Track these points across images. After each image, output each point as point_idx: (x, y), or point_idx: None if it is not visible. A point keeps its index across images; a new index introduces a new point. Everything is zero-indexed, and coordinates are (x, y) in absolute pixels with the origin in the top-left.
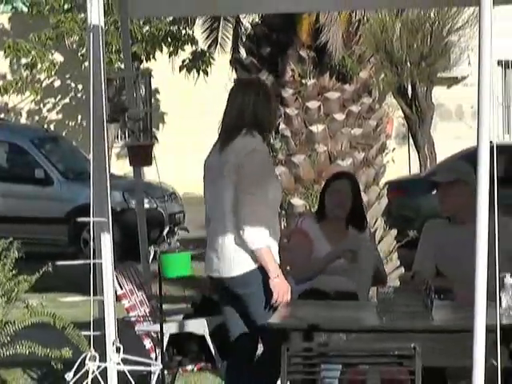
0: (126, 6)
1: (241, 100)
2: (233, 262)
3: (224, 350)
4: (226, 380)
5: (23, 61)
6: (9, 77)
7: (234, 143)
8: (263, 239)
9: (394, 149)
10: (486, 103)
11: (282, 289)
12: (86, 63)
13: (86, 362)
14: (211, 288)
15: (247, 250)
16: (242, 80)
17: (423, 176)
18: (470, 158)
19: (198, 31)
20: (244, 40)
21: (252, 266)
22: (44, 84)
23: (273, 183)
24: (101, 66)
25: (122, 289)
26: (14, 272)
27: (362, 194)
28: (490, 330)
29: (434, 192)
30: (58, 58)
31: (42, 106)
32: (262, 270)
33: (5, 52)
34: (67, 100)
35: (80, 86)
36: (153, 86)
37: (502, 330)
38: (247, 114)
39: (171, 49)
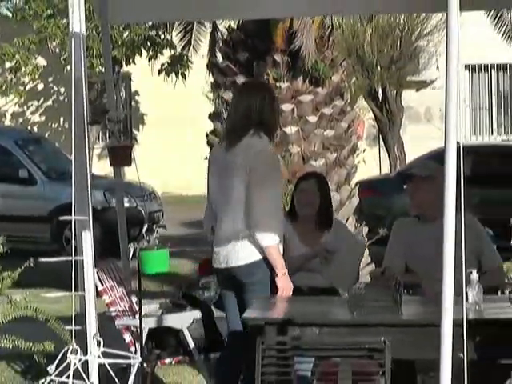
0: (106, 13)
1: (247, 102)
2: (239, 252)
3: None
4: (217, 371)
5: (7, 64)
6: None
7: (242, 143)
8: (273, 236)
9: (364, 150)
10: (453, 106)
11: (287, 286)
12: (69, 67)
13: (68, 355)
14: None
15: (253, 243)
16: (248, 83)
17: (393, 176)
18: (438, 158)
19: (176, 35)
20: (221, 45)
21: (258, 256)
22: (28, 87)
23: (280, 182)
24: (82, 70)
25: (102, 285)
26: None
27: (334, 193)
28: (457, 324)
29: (405, 186)
30: (41, 61)
31: (25, 108)
32: (267, 263)
33: None
34: (50, 102)
35: (62, 89)
36: (133, 89)
37: (469, 324)
38: (254, 115)
39: (150, 53)
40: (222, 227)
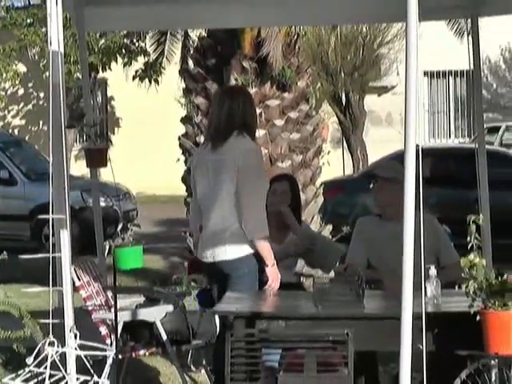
0: (82, 21)
1: (229, 105)
2: (227, 247)
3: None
4: (214, 362)
5: None
6: None
7: (229, 143)
8: (264, 230)
9: (329, 152)
10: (412, 110)
11: (276, 277)
12: (47, 73)
13: (46, 347)
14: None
15: (241, 238)
16: (229, 87)
17: (356, 176)
18: (398, 160)
19: (149, 43)
20: (192, 52)
21: (246, 251)
22: (8, 92)
23: (266, 179)
24: (60, 76)
25: (79, 280)
26: None
27: (301, 193)
28: (416, 317)
29: (371, 186)
30: (22, 68)
31: (6, 112)
32: (255, 257)
33: None
34: (30, 107)
35: (42, 94)
36: (108, 94)
37: (428, 317)
38: (237, 118)
39: (125, 60)
40: (209, 224)
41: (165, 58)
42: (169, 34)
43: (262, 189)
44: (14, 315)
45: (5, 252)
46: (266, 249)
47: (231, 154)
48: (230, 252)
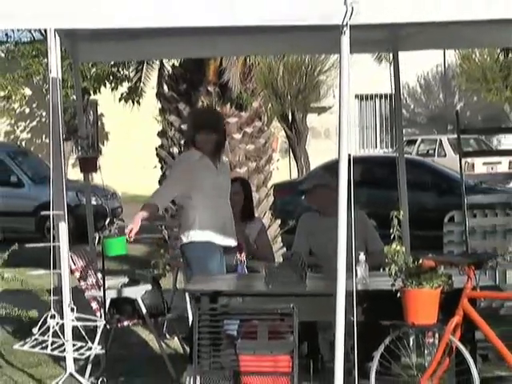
0: (77, 53)
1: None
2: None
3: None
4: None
5: (1, 93)
6: None
7: None
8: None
9: (278, 160)
10: (345, 126)
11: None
12: (49, 96)
13: (48, 319)
14: None
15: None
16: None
17: (300, 180)
18: (334, 166)
19: (132, 71)
20: (166, 78)
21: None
22: (17, 111)
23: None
24: (59, 98)
25: (74, 264)
26: None
27: (255, 193)
28: (348, 294)
29: (303, 197)
30: (28, 91)
31: (15, 128)
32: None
33: None
34: (34, 123)
35: (44, 113)
36: (99, 113)
37: (358, 294)
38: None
39: (112, 85)
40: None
41: (142, 84)
42: (145, 64)
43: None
44: (24, 292)
45: (16, 244)
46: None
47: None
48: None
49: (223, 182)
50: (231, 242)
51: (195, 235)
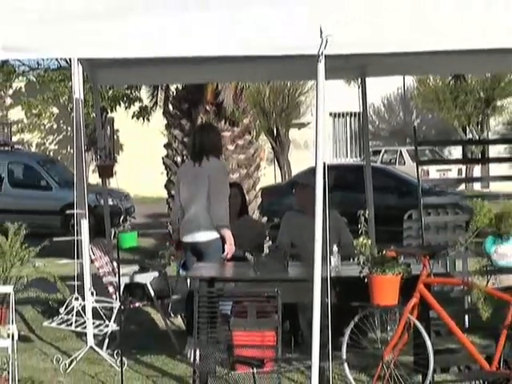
0: (96, 78)
1: (201, 136)
2: (202, 232)
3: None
4: (185, 310)
5: (33, 112)
6: (25, 121)
7: (203, 161)
8: (223, 220)
9: (265, 167)
10: (320, 139)
11: (231, 250)
12: (73, 114)
13: (72, 301)
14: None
15: (210, 226)
16: (202, 124)
17: (283, 184)
18: (312, 173)
19: (143, 93)
20: (171, 99)
21: (213, 236)
22: (46, 126)
23: (227, 186)
24: (81, 116)
25: (94, 255)
26: (25, 244)
27: (246, 195)
28: (324, 280)
29: (293, 191)
30: (55, 110)
31: (45, 140)
32: (222, 241)
33: (22, 106)
34: (61, 137)
35: (69, 128)
36: (115, 128)
37: (332, 280)
38: (207, 144)
39: (126, 104)
40: (189, 215)
41: (153, 101)
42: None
43: (224, 191)
44: (50, 280)
45: (48, 239)
46: (226, 232)
47: (205, 168)
48: (203, 236)
49: None
50: None
51: (215, 232)
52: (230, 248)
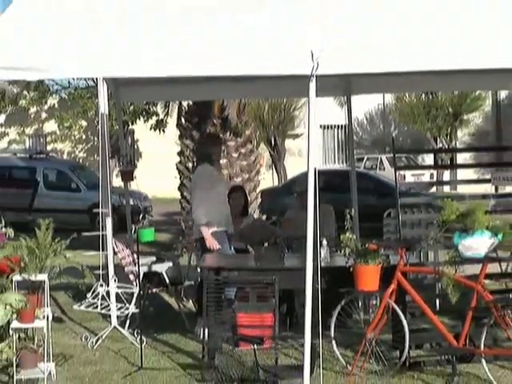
0: (119, 95)
1: (200, 144)
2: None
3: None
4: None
5: (65, 124)
6: (57, 133)
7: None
8: (199, 221)
9: (264, 173)
10: (312, 148)
11: (211, 245)
12: (99, 126)
13: (98, 287)
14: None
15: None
16: (211, 133)
17: (280, 187)
18: (305, 177)
19: (159, 108)
20: (183, 113)
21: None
22: (76, 137)
23: (216, 187)
24: (106, 128)
25: (117, 248)
26: (57, 238)
27: (248, 196)
28: (315, 269)
29: (296, 194)
30: (84, 123)
31: (75, 149)
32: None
33: (55, 120)
34: (89, 146)
35: (96, 138)
36: (135, 138)
37: (321, 269)
38: (202, 151)
39: (145, 118)
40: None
41: (168, 115)
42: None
43: (198, 194)
44: (79, 269)
45: (76, 233)
46: (202, 230)
47: (194, 174)
48: (196, 233)
49: None
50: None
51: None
52: (208, 243)
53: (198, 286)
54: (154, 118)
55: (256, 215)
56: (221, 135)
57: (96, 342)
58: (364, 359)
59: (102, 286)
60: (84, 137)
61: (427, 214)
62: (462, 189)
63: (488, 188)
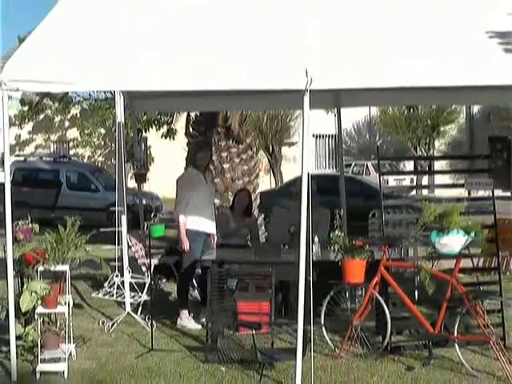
0: (133, 106)
1: (190, 149)
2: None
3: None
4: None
5: (86, 132)
6: (79, 139)
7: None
8: (178, 220)
9: (263, 176)
10: (306, 154)
11: (184, 242)
12: (116, 133)
13: (114, 277)
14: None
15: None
16: (203, 140)
17: (277, 190)
18: (300, 180)
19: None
20: (191, 122)
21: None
22: (96, 143)
23: (198, 189)
24: (122, 135)
25: (131, 242)
26: (78, 233)
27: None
28: (308, 263)
29: (295, 195)
30: (102, 131)
31: (94, 154)
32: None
33: (77, 128)
34: (107, 151)
35: (113, 145)
36: (148, 144)
37: (313, 263)
38: (191, 157)
39: (157, 127)
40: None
41: (177, 124)
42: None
43: (179, 197)
44: (97, 261)
45: (95, 230)
46: (180, 230)
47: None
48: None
49: None
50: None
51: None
52: (180, 242)
53: (200, 278)
54: (165, 127)
55: (255, 214)
56: (210, 142)
57: (112, 326)
58: (350, 343)
59: (117, 276)
60: (102, 143)
61: (408, 215)
62: (439, 192)
63: (462, 192)
